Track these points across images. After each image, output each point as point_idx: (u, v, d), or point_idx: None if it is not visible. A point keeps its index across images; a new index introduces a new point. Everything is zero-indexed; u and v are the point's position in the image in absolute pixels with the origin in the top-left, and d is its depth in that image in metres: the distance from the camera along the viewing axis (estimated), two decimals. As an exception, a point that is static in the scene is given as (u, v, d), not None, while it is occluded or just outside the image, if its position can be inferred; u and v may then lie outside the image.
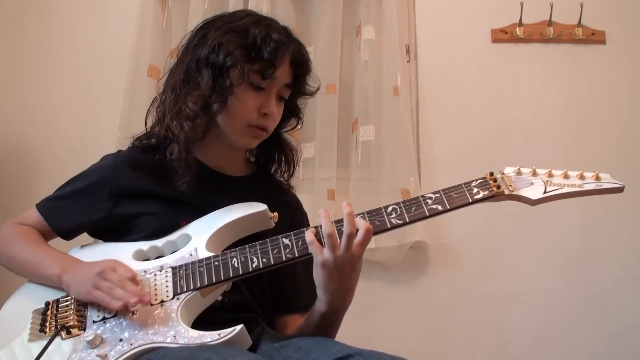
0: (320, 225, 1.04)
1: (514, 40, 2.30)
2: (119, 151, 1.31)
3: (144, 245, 1.16)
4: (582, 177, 1.06)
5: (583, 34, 2.28)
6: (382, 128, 2.16)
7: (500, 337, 2.13)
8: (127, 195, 1.20)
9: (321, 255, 1.02)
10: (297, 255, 1.07)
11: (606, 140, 2.24)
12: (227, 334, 0.97)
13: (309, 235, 1.04)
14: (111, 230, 1.21)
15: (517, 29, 2.29)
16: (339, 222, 1.05)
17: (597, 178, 1.05)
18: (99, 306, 1.06)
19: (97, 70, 2.26)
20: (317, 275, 1.05)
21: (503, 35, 2.30)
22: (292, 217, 1.32)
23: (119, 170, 1.22)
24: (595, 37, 2.29)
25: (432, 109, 2.27)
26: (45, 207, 1.24)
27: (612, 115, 2.26)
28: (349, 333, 1.20)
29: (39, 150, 2.22)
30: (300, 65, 1.24)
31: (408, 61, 2.32)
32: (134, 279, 1.06)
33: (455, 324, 2.13)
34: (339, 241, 1.02)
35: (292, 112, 1.33)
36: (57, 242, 1.24)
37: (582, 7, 2.26)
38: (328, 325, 1.13)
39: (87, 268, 1.09)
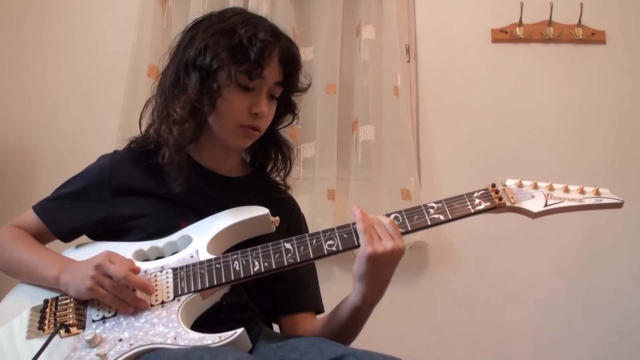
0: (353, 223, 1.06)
1: (514, 40, 2.30)
2: (115, 151, 1.30)
3: (145, 245, 1.16)
4: (582, 192, 1.08)
5: (583, 34, 2.28)
6: (382, 128, 2.16)
7: (500, 337, 2.13)
8: (125, 193, 1.20)
9: (373, 245, 1.02)
10: (298, 260, 1.07)
11: (606, 140, 2.23)
12: (228, 337, 0.96)
13: (364, 223, 1.04)
14: (110, 233, 1.20)
15: (517, 29, 2.29)
16: (353, 224, 1.07)
17: (597, 193, 1.08)
18: (98, 304, 1.06)
19: (97, 70, 2.26)
20: (362, 267, 1.04)
21: (503, 35, 2.30)
22: (288, 216, 1.31)
23: (116, 169, 1.22)
24: (595, 37, 2.29)
25: (432, 109, 2.27)
26: (42, 208, 1.23)
27: (612, 115, 2.26)
28: (349, 333, 1.20)
29: (38, 150, 2.22)
30: (290, 62, 1.23)
31: (408, 61, 2.32)
32: (134, 268, 1.05)
33: (455, 324, 2.13)
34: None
35: (287, 108, 1.32)
36: (54, 243, 1.24)
37: (582, 7, 2.26)
38: (360, 318, 1.13)
39: (82, 266, 1.07)
